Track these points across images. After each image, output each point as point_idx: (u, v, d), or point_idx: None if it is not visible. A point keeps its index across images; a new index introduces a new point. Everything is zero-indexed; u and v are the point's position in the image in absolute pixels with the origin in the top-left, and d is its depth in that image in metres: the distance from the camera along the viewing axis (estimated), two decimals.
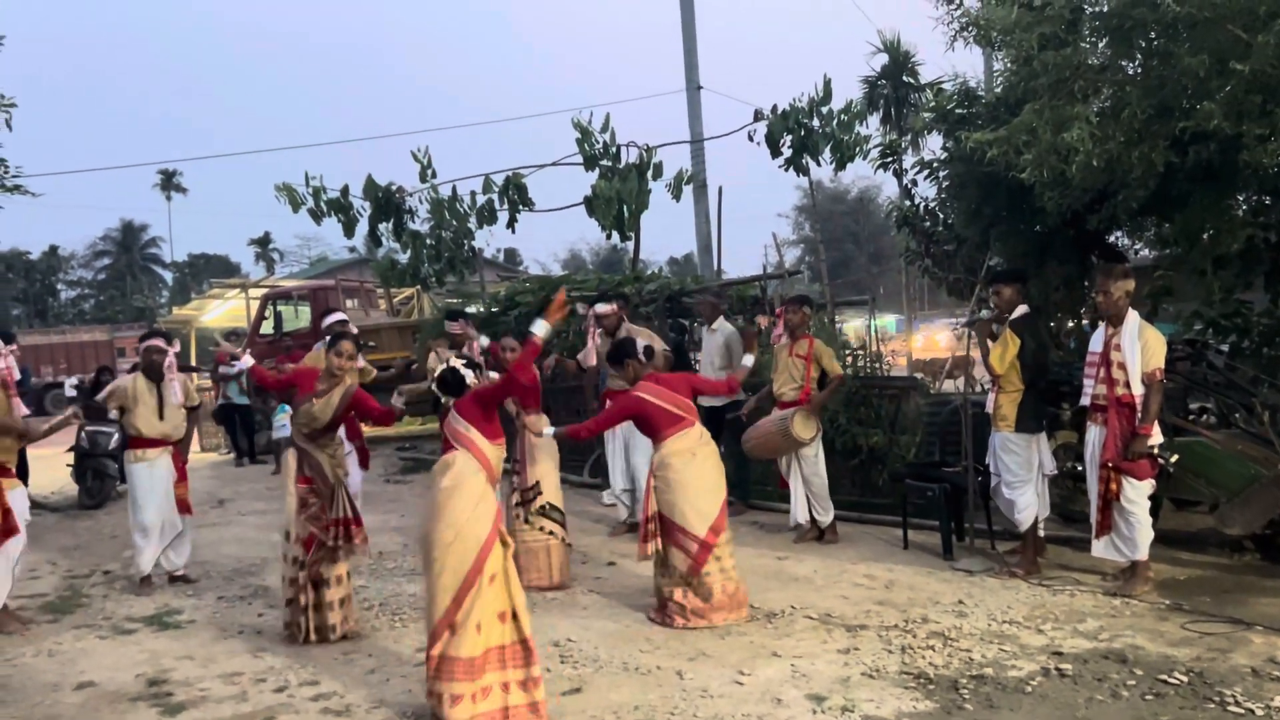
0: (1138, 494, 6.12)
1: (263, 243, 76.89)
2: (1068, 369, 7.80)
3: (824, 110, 11.97)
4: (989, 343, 6.88)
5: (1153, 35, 6.46)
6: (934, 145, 18.26)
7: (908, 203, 10.13)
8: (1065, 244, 8.41)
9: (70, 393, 7.31)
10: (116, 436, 11.16)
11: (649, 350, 6.58)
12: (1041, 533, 6.96)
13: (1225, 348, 8.10)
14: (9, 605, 6.62)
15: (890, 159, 10.72)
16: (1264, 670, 4.80)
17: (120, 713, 5.01)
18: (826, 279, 12.85)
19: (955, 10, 7.52)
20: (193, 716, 4.91)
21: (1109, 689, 4.68)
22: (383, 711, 4.86)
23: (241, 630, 6.31)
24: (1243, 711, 4.36)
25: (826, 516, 7.89)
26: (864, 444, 8.94)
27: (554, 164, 13.32)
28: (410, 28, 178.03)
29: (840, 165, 12.19)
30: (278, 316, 17.83)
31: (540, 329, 4.97)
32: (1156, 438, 6.16)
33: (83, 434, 11.60)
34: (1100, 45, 6.90)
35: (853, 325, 18.81)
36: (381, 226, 13.64)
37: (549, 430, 6.51)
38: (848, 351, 10.01)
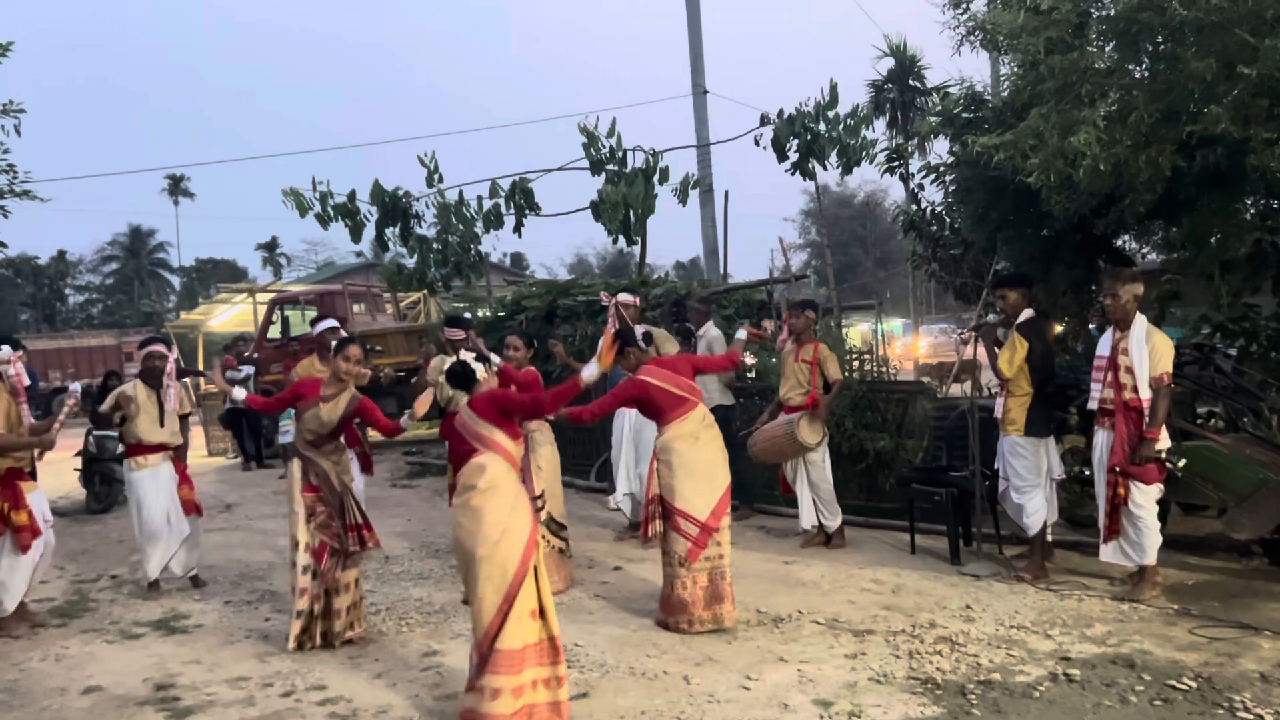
0: (1145, 499, 6.11)
1: (270, 247, 77.14)
2: (1075, 373, 7.78)
3: (830, 114, 11.95)
4: (996, 347, 6.88)
5: (1160, 39, 6.45)
6: (940, 149, 18.26)
7: (914, 207, 10.13)
8: (1072, 248, 8.39)
9: (73, 396, 7.35)
10: (122, 443, 11.18)
11: (648, 335, 6.60)
12: (1049, 537, 6.94)
13: (1233, 352, 8.07)
14: (24, 604, 6.71)
15: (897, 163, 10.71)
16: (1273, 675, 4.78)
17: (128, 717, 5.02)
18: (833, 283, 12.83)
19: (962, 14, 7.52)
20: None
21: (1117, 694, 4.67)
22: (390, 715, 4.86)
23: (249, 635, 6.32)
24: (1252, 717, 4.35)
25: (834, 521, 7.88)
26: (871, 448, 8.92)
27: (560, 168, 13.34)
28: (417, 33, 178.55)
29: (847, 169, 12.17)
30: (285, 321, 17.87)
31: (589, 373, 4.99)
32: (1164, 442, 6.14)
33: (90, 439, 11.64)
34: (1107, 49, 6.89)
35: (859, 329, 18.80)
36: (388, 231, 13.65)
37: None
38: (853, 356, 10.01)
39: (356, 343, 6.26)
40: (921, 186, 9.92)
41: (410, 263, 14.22)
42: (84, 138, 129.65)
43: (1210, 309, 8.05)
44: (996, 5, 7.30)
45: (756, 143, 12.42)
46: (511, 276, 32.69)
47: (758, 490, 9.48)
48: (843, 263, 52.39)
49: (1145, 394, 6.05)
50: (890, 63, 32.39)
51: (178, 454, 7.66)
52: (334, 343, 6.47)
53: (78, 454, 11.87)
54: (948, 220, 9.76)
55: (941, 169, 9.15)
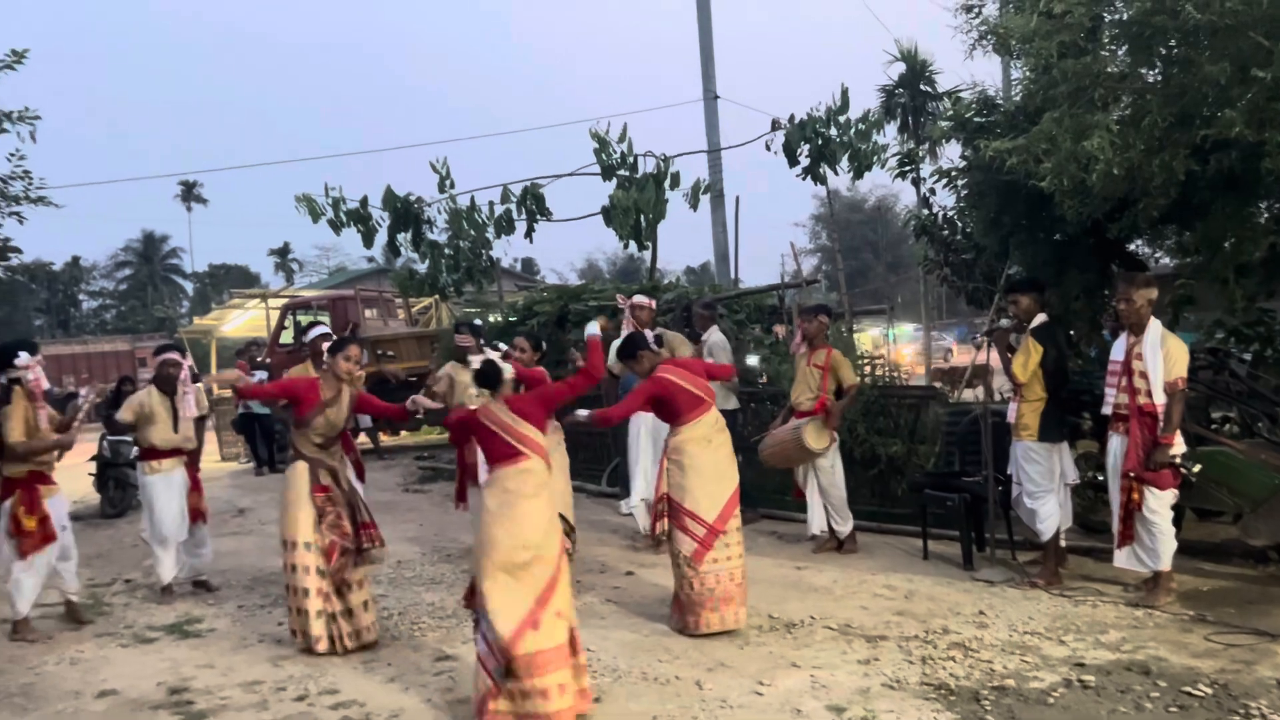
0: (1160, 504, 6.08)
1: (282, 253, 77.45)
2: (1088, 378, 7.75)
3: (841, 119, 11.95)
4: (1009, 352, 6.86)
5: (1173, 43, 6.42)
6: (952, 154, 18.22)
7: (926, 211, 10.11)
8: (1085, 252, 8.36)
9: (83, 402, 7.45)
10: (137, 447, 11.23)
11: (659, 339, 6.62)
12: (1063, 543, 6.91)
13: (1248, 356, 8.04)
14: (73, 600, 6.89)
15: (909, 168, 10.70)
16: None
17: None
18: (844, 288, 12.82)
19: (974, 19, 7.51)
20: None
21: (1132, 701, 4.65)
22: None
23: (262, 639, 6.34)
24: None
25: (845, 527, 7.86)
26: (883, 454, 8.90)
27: (571, 174, 13.36)
28: (428, 40, 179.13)
29: (858, 174, 12.16)
30: (297, 326, 17.93)
31: (593, 327, 5.27)
32: (1179, 447, 6.11)
33: (105, 443, 11.70)
34: (1120, 53, 6.87)
35: (869, 334, 18.78)
36: (400, 236, 13.69)
37: (583, 413, 6.47)
38: (864, 360, 9.99)
39: (355, 342, 6.29)
40: (933, 191, 9.90)
41: (422, 268, 14.26)
42: (98, 144, 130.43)
43: (1224, 313, 8.02)
44: (1009, 10, 7.29)
45: (768, 148, 12.43)
46: (523, 281, 32.76)
47: (769, 495, 9.47)
48: (853, 267, 52.29)
49: (1160, 399, 6.02)
50: (901, 67, 32.35)
51: (192, 459, 7.72)
52: (327, 345, 6.43)
53: (92, 458, 11.92)
54: (960, 225, 9.73)
55: (953, 173, 9.12)
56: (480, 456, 7.86)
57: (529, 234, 13.23)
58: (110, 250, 76.40)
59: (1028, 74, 7.46)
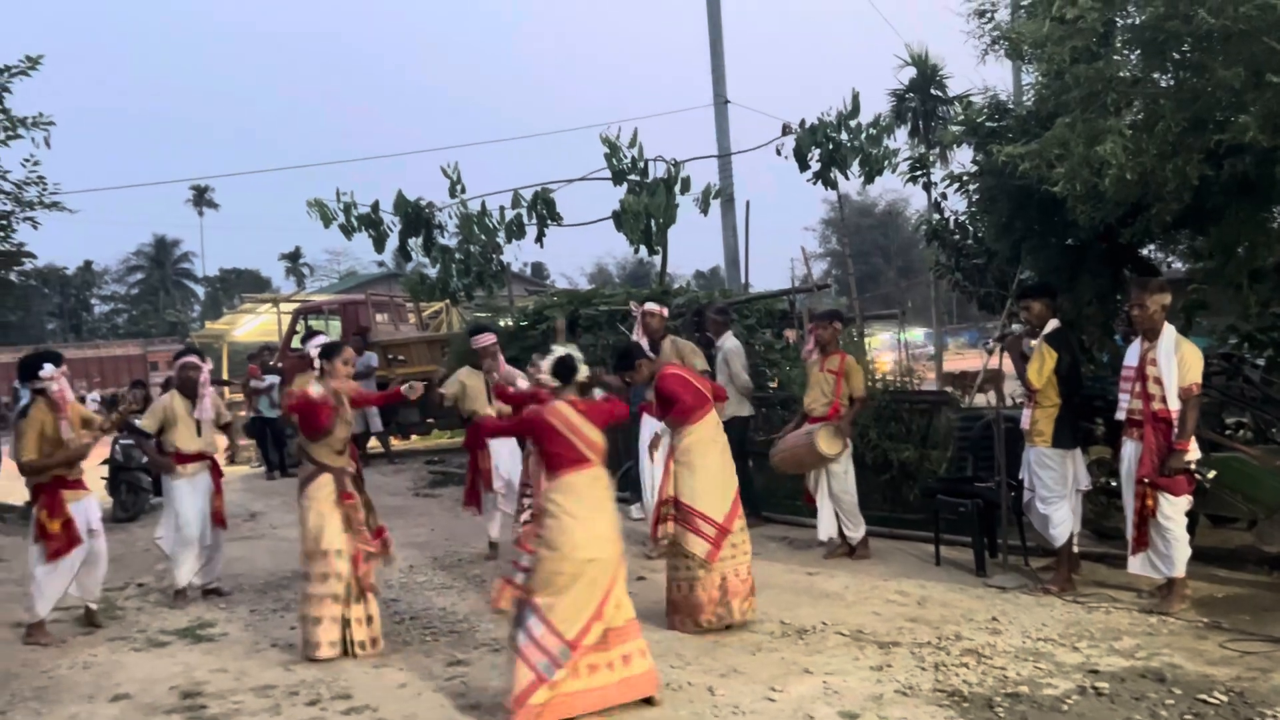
0: (1174, 510, 6.05)
1: (293, 257, 77.78)
2: (1101, 383, 7.72)
3: (852, 124, 11.96)
4: (1021, 358, 6.85)
5: (1186, 48, 6.41)
6: (963, 158, 18.19)
7: (937, 216, 10.09)
8: (1097, 258, 8.34)
9: (93, 405, 7.55)
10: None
11: (654, 348, 6.69)
12: (1076, 549, 6.88)
13: (1261, 362, 8.00)
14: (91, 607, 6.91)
15: (920, 172, 10.69)
16: None
17: None
18: (855, 292, 12.81)
19: (987, 24, 7.50)
20: None
21: (1147, 708, 4.62)
22: None
23: (274, 643, 6.35)
24: None
25: (857, 532, 7.84)
26: (895, 459, 8.88)
27: (582, 179, 13.41)
28: (438, 44, 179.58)
29: (869, 178, 12.19)
30: (309, 331, 17.98)
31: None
32: (1193, 453, 6.08)
33: (117, 447, 11.74)
34: (1133, 58, 6.86)
35: (879, 339, 18.75)
36: (411, 241, 13.77)
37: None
38: (872, 364, 9.98)
39: (347, 345, 6.31)
40: (944, 196, 9.87)
41: (433, 273, 14.32)
42: (110, 149, 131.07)
43: (1238, 319, 7.98)
44: (1021, 15, 7.28)
45: (778, 152, 12.45)
46: (532, 286, 32.81)
47: (780, 501, 9.46)
48: (864, 272, 52.21)
49: (1174, 405, 5.99)
50: (911, 72, 32.32)
51: (216, 464, 7.76)
52: (317, 352, 6.28)
53: (104, 462, 11.96)
54: (971, 230, 9.72)
55: (965, 178, 9.11)
56: (499, 464, 7.82)
57: (539, 239, 13.27)
58: (122, 254, 76.90)
59: (1040, 79, 7.44)
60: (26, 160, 11.89)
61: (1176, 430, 6.01)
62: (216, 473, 7.77)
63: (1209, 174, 6.47)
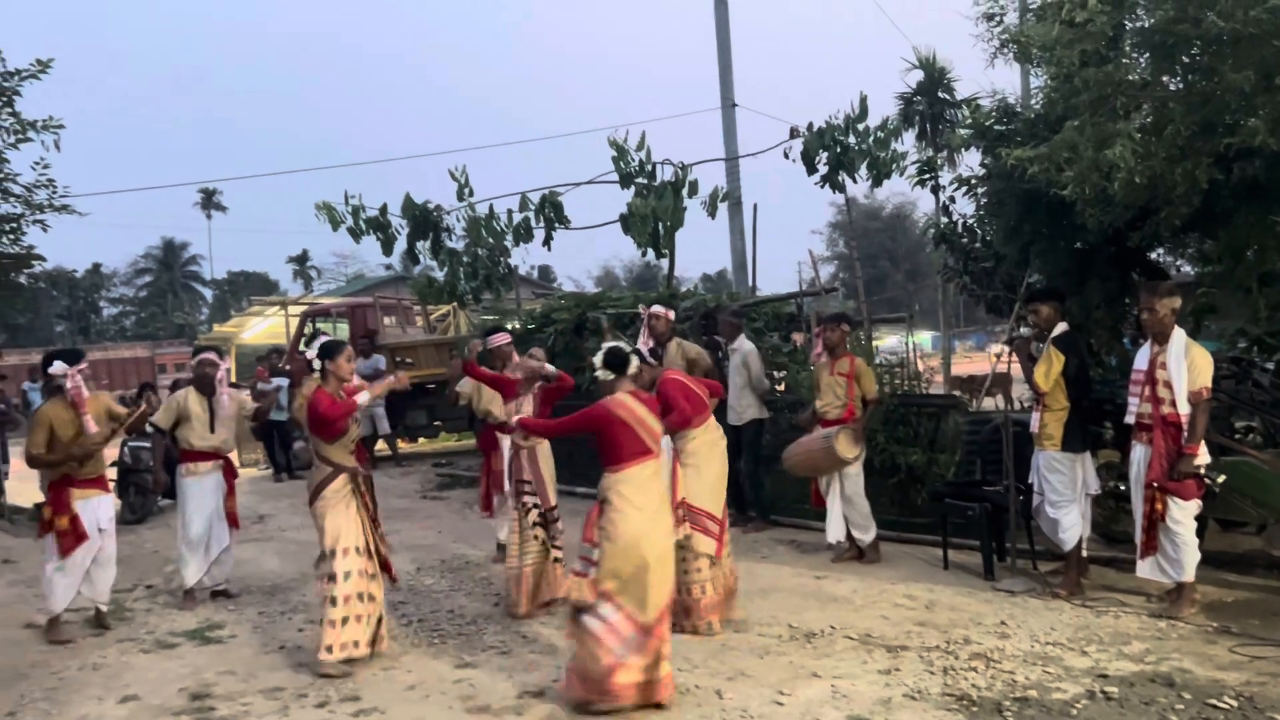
0: (1183, 514, 6.03)
1: (300, 260, 77.91)
2: (1110, 387, 7.71)
3: (860, 127, 11.93)
4: (1029, 361, 6.84)
5: (1195, 51, 6.39)
6: (971, 162, 18.17)
7: (945, 219, 10.08)
8: (1106, 261, 8.32)
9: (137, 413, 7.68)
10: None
11: (654, 353, 6.76)
12: (1085, 553, 6.87)
13: (1271, 366, 7.97)
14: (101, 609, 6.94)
15: (928, 176, 10.67)
16: None
17: None
18: (862, 295, 12.79)
19: (996, 28, 7.50)
20: None
21: (1156, 713, 4.61)
22: None
23: (283, 645, 6.36)
24: None
25: (868, 536, 7.82)
26: (903, 463, 8.87)
27: (590, 182, 13.40)
28: (446, 47, 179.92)
29: (877, 182, 12.13)
30: (317, 333, 18.01)
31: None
32: (1203, 457, 6.07)
33: (125, 449, 11.76)
34: (1142, 61, 6.84)
35: (886, 342, 18.72)
36: (419, 244, 13.76)
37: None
38: (881, 367, 9.96)
39: (347, 344, 6.25)
40: (953, 199, 9.87)
41: (440, 276, 14.32)
42: (119, 152, 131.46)
43: (1247, 322, 7.94)
44: (1030, 19, 7.27)
45: (786, 155, 12.42)
46: (540, 289, 32.83)
47: (789, 505, 9.45)
48: (871, 275, 52.17)
49: (1184, 409, 5.98)
50: (919, 75, 32.24)
51: (230, 464, 7.77)
52: (314, 354, 6.13)
53: (112, 464, 11.97)
54: (979, 233, 9.71)
55: (973, 181, 9.10)
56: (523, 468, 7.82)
57: (547, 242, 13.26)
58: (131, 257, 77.26)
59: (1049, 82, 7.43)
60: (37, 163, 11.94)
61: (1186, 434, 6.00)
62: (230, 473, 7.77)
63: (1218, 177, 6.46)
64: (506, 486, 7.06)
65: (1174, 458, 6.03)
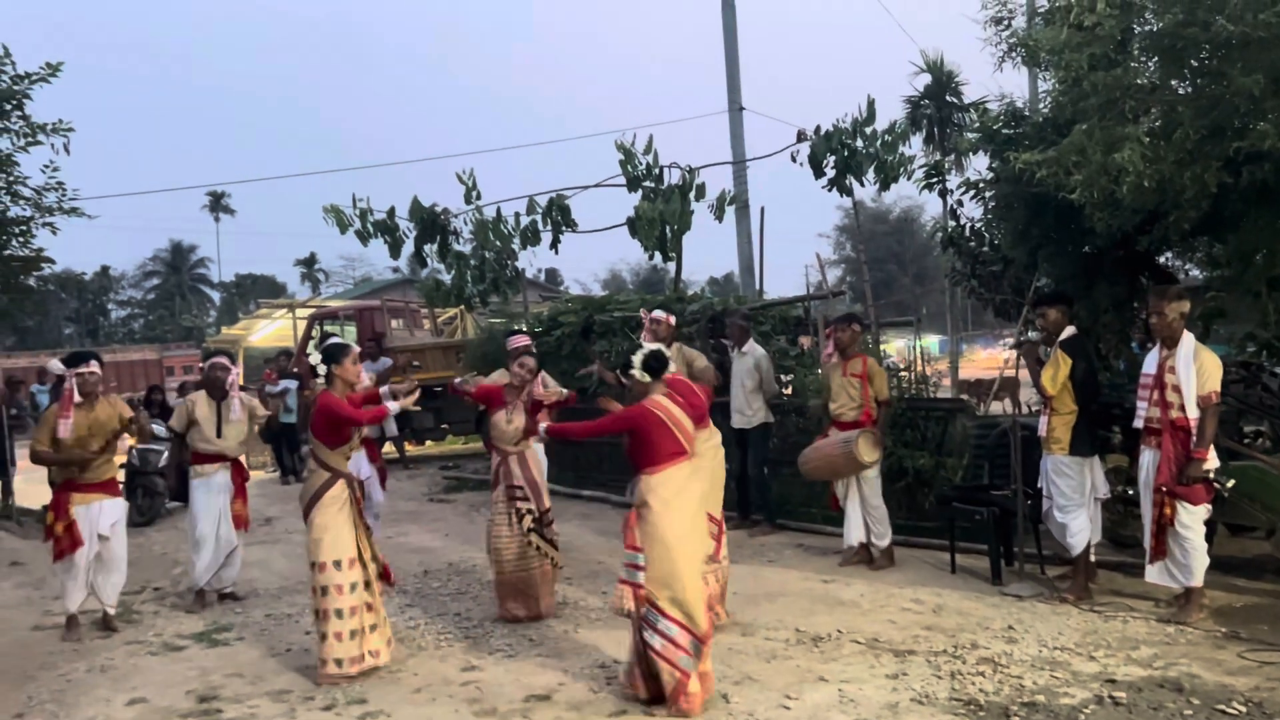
0: (1192, 519, 6.01)
1: (308, 263, 78.13)
2: (1118, 391, 7.68)
3: (867, 130, 11.94)
4: (1037, 365, 6.82)
5: (1204, 55, 6.37)
6: (979, 165, 18.11)
7: (953, 223, 10.06)
8: (1114, 265, 8.29)
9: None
10: (165, 455, 11.34)
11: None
12: (1093, 558, 6.85)
13: None
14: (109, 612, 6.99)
15: (936, 179, 10.66)
16: None
17: None
18: (870, 299, 12.77)
19: (1004, 31, 7.48)
20: None
21: (1165, 718, 4.59)
22: None
23: (290, 648, 6.37)
24: None
25: (884, 540, 7.78)
26: (910, 467, 8.84)
27: (597, 185, 13.42)
28: (451, 49, 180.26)
29: (884, 185, 12.14)
30: (324, 336, 18.05)
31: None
32: (1212, 462, 6.05)
33: (133, 452, 11.78)
34: (1151, 65, 6.82)
35: (895, 345, 18.68)
36: (426, 247, 13.79)
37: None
38: (889, 367, 9.95)
39: (352, 346, 6.24)
40: (960, 203, 9.85)
41: (448, 278, 14.33)
42: (127, 155, 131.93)
43: (1256, 326, 7.92)
44: (1038, 23, 7.25)
45: (794, 159, 12.42)
46: (547, 292, 32.84)
47: (796, 508, 9.44)
48: (878, 279, 52.01)
49: (1193, 413, 5.96)
50: (926, 79, 32.30)
51: (240, 466, 7.78)
52: (318, 358, 6.07)
53: (120, 466, 11.99)
54: (987, 236, 9.68)
55: (981, 185, 9.08)
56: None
57: (554, 245, 13.28)
58: (139, 260, 77.40)
59: (1057, 86, 7.41)
60: (46, 166, 11.97)
61: (1195, 438, 5.98)
62: (240, 475, 7.78)
63: (1227, 181, 6.43)
64: (495, 492, 6.98)
65: (1183, 462, 6.01)
